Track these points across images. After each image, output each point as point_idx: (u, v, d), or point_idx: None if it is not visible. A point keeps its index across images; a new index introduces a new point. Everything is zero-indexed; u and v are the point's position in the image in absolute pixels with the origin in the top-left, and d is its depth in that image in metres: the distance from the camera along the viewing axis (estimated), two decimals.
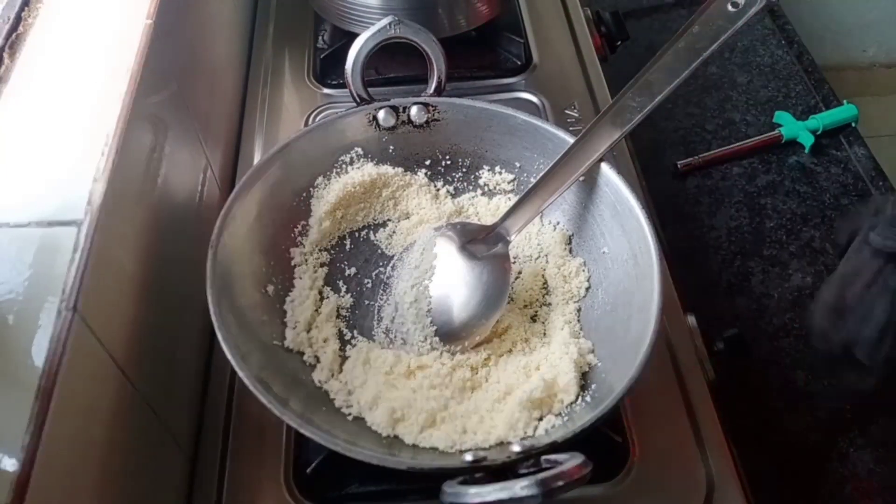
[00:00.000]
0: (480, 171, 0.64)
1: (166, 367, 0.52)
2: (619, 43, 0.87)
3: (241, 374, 0.45)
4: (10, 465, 0.33)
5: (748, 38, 0.99)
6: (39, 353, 0.36)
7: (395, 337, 0.56)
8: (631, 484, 0.52)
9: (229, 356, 0.46)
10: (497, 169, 0.63)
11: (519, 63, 0.82)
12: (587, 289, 0.58)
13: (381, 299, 0.59)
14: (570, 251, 0.60)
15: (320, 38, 0.85)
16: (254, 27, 0.88)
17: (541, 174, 0.56)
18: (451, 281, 0.56)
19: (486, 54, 0.83)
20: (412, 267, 0.57)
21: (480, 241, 0.57)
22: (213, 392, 0.57)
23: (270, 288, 0.56)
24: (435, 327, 0.54)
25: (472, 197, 0.64)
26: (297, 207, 0.60)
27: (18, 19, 0.51)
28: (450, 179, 0.64)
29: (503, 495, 0.38)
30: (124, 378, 0.43)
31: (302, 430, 0.44)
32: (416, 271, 0.57)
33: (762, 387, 0.65)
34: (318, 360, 0.53)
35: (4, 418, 0.34)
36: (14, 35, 0.50)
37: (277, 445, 0.54)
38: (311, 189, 0.61)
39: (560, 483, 0.38)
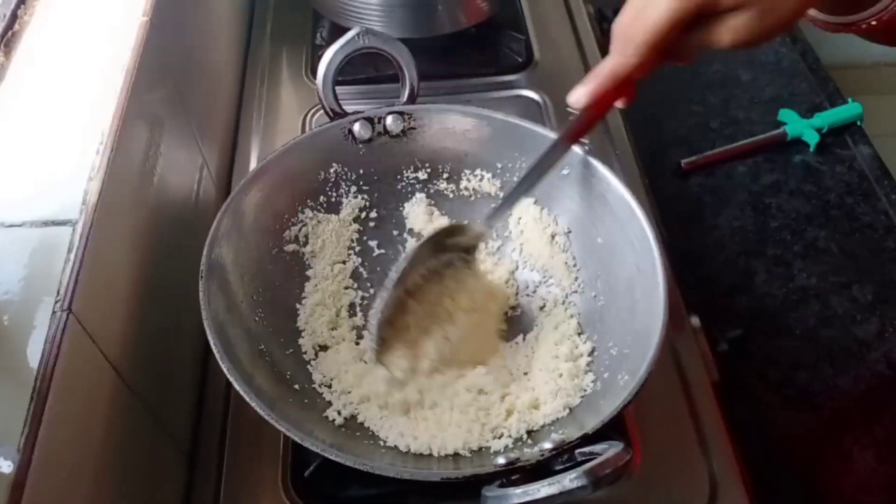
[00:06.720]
0: (462, 176, 0.62)
1: (163, 368, 0.52)
2: None
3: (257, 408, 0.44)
4: (6, 466, 0.33)
5: None
6: (35, 353, 0.36)
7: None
8: (634, 484, 0.52)
9: (246, 397, 0.44)
10: (478, 172, 0.62)
11: (520, 60, 0.81)
12: (582, 282, 0.57)
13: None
14: (560, 246, 0.59)
15: (318, 35, 0.84)
16: (251, 24, 0.88)
17: (524, 172, 0.54)
18: None
19: (486, 51, 0.83)
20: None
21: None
22: (210, 393, 0.57)
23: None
24: None
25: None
26: (279, 231, 0.58)
27: (14, 17, 0.50)
28: (432, 187, 0.63)
29: (553, 490, 0.37)
30: (120, 379, 0.43)
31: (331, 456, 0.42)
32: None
33: (765, 387, 0.65)
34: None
35: (0, 420, 0.34)
36: (10, 32, 0.50)
37: (275, 447, 0.53)
38: (293, 217, 0.59)
39: (608, 471, 0.37)
